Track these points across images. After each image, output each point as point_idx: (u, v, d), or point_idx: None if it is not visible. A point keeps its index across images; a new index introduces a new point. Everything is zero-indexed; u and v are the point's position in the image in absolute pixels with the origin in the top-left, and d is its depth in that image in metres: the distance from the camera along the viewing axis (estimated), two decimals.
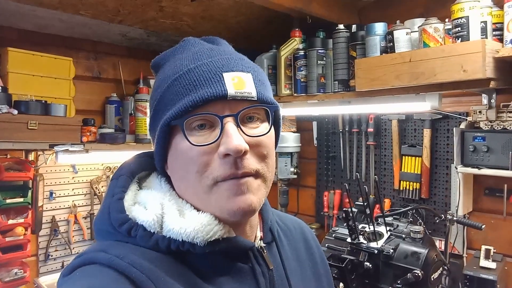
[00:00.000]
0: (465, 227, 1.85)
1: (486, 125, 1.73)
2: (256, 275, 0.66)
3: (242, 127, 0.61)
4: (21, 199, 1.98)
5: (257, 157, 0.63)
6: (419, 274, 1.32)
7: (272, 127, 0.67)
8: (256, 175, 0.63)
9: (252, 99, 0.62)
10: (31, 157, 2.10)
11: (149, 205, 0.63)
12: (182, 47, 0.69)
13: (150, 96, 0.70)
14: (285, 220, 0.85)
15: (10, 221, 1.92)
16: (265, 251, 0.70)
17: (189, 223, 0.61)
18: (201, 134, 0.61)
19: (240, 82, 0.61)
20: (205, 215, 0.63)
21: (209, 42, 0.71)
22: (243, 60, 0.65)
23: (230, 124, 0.60)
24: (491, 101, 1.74)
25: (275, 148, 0.71)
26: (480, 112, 1.77)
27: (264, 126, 0.65)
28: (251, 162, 0.61)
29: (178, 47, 0.70)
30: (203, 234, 0.60)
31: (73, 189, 2.29)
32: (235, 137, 0.59)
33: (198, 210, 0.64)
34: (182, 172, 0.64)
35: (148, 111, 2.29)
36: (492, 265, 1.63)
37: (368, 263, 1.42)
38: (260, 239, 0.72)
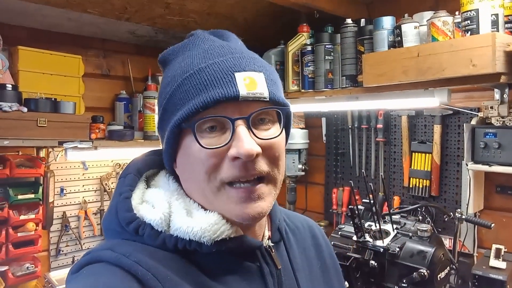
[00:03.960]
0: (476, 225, 1.81)
1: (497, 121, 1.69)
2: (264, 274, 0.66)
3: (253, 129, 0.61)
4: (32, 195, 2.01)
5: (268, 159, 0.62)
6: (425, 273, 1.30)
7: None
8: (267, 178, 0.62)
9: (264, 99, 0.61)
10: (42, 154, 2.14)
11: (156, 204, 0.63)
12: (192, 42, 0.67)
13: (158, 93, 0.69)
14: (293, 219, 0.85)
15: (22, 217, 1.96)
16: (273, 251, 0.70)
17: (197, 222, 0.61)
18: (211, 136, 0.61)
19: (252, 82, 0.60)
20: (213, 214, 0.62)
21: (218, 37, 0.70)
22: (254, 59, 0.64)
23: (241, 127, 0.59)
24: (503, 96, 1.69)
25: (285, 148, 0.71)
26: (491, 107, 1.72)
27: (276, 128, 0.64)
28: (261, 165, 0.61)
29: (187, 42, 0.68)
30: (210, 233, 0.60)
31: (83, 186, 2.32)
32: (246, 141, 0.58)
33: (205, 209, 0.64)
34: (190, 173, 0.63)
35: (156, 108, 2.30)
36: (502, 264, 1.59)
37: (373, 262, 1.41)
38: (268, 239, 0.72)
